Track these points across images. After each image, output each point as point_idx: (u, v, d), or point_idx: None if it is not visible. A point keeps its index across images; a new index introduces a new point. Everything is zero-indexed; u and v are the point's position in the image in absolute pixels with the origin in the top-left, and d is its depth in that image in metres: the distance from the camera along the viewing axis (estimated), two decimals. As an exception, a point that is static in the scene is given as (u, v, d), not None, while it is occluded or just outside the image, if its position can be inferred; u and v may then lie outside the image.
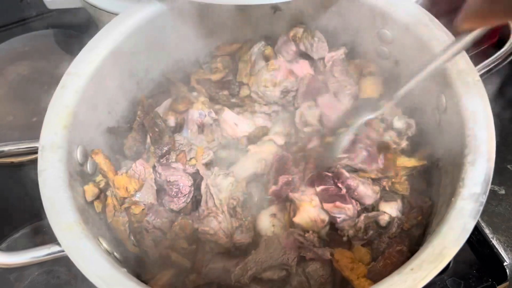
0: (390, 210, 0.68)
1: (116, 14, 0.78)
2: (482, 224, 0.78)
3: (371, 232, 0.66)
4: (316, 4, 0.81)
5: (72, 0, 0.94)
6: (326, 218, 0.67)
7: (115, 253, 0.61)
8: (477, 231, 0.78)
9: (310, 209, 0.67)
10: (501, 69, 0.88)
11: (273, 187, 0.70)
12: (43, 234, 0.82)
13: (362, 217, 0.66)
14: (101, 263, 0.53)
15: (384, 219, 0.67)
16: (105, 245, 0.59)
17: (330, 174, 0.69)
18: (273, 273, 0.64)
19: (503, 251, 0.75)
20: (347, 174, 0.68)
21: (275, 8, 0.83)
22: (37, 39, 1.14)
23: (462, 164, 0.57)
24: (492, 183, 0.79)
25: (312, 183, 0.69)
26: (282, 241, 0.64)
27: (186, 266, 0.67)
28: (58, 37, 1.14)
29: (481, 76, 0.64)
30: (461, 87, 0.63)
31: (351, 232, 0.66)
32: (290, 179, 0.70)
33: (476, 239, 0.78)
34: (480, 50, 0.87)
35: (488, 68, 0.65)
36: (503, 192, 0.82)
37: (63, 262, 0.78)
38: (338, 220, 0.66)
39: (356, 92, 0.80)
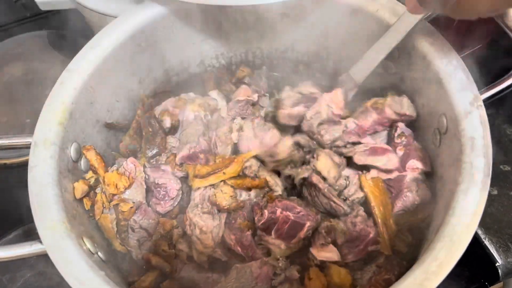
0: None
1: (108, 16, 0.78)
2: None
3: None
4: (321, 14, 0.79)
5: (64, 2, 0.94)
6: None
7: (99, 253, 0.61)
8: None
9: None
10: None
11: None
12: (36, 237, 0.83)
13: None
14: (81, 264, 0.54)
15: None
16: (88, 245, 0.59)
17: None
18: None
19: (495, 251, 0.74)
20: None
21: (282, 14, 0.82)
22: (31, 40, 1.14)
23: (455, 192, 0.55)
24: None
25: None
26: (254, 270, 0.63)
27: (166, 270, 0.66)
28: (52, 38, 1.14)
29: (485, 100, 0.62)
30: (462, 111, 0.61)
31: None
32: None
33: None
34: (473, 51, 0.84)
35: (493, 93, 0.63)
36: (495, 192, 0.80)
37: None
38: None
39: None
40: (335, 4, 0.76)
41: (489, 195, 0.77)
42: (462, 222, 0.53)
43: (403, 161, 0.70)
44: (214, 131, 0.77)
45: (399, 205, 0.67)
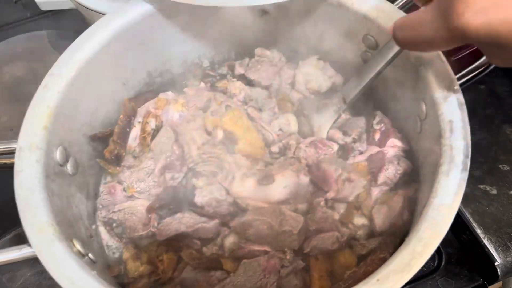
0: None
1: None
2: (474, 224, 0.78)
3: None
4: (302, 10, 0.80)
5: (64, 2, 0.95)
6: None
7: (89, 255, 0.61)
8: (468, 231, 0.78)
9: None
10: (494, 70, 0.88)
11: None
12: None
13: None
14: (72, 265, 0.54)
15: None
16: (78, 247, 0.59)
17: None
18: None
19: (494, 251, 0.75)
20: None
21: (262, 11, 0.83)
22: (32, 40, 1.15)
23: (437, 174, 0.57)
24: (483, 183, 0.83)
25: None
26: (262, 264, 0.63)
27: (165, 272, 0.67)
28: (52, 38, 1.15)
29: (461, 84, 0.63)
30: (441, 95, 0.62)
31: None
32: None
33: (468, 239, 0.78)
34: (461, 56, 0.86)
35: (468, 77, 0.64)
36: (494, 192, 0.82)
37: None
38: None
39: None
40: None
41: (488, 194, 0.81)
42: (444, 202, 0.54)
43: (382, 141, 0.71)
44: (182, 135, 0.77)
45: (381, 177, 0.68)
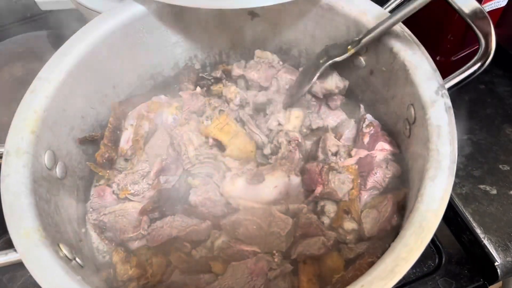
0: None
1: None
2: (474, 224, 0.78)
3: None
4: (293, 13, 0.80)
5: (64, 2, 0.95)
6: None
7: (76, 259, 0.61)
8: (468, 231, 0.78)
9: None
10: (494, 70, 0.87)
11: None
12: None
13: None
14: (57, 270, 0.54)
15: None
16: (65, 251, 0.59)
17: None
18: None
19: (494, 251, 0.75)
20: None
21: (252, 14, 0.83)
22: (32, 40, 1.14)
23: (423, 179, 0.57)
24: (483, 183, 0.83)
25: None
26: (250, 266, 0.63)
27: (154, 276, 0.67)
28: (52, 38, 1.14)
29: (457, 84, 0.63)
30: (428, 99, 0.62)
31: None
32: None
33: (468, 239, 0.78)
34: (461, 56, 0.86)
35: (456, 81, 0.64)
36: (494, 192, 0.81)
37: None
38: None
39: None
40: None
41: (488, 194, 0.81)
42: (430, 208, 0.54)
43: (371, 145, 0.71)
44: (178, 137, 0.77)
45: (370, 181, 0.68)
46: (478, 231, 0.77)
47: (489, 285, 0.77)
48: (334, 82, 0.79)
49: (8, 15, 1.23)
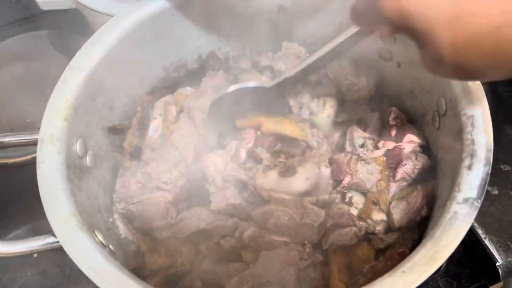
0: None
1: (109, 15, 0.78)
2: (475, 224, 0.78)
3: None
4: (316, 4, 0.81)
5: (64, 2, 0.95)
6: None
7: (110, 246, 0.61)
8: (469, 231, 0.76)
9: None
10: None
11: None
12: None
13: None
14: (95, 255, 0.54)
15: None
16: (100, 238, 0.59)
17: None
18: (269, 288, 0.64)
19: (495, 251, 0.75)
20: None
21: (279, 7, 0.84)
22: (32, 40, 1.14)
23: (459, 168, 0.57)
24: None
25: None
26: (281, 256, 0.63)
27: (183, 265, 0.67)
28: (53, 38, 1.14)
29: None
30: (461, 90, 0.62)
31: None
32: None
33: (469, 239, 0.78)
34: None
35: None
36: (496, 192, 0.81)
37: (56, 263, 0.81)
38: None
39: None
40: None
41: (490, 194, 0.80)
42: (468, 196, 0.54)
43: (398, 137, 0.72)
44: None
45: (400, 173, 0.69)
46: (479, 231, 0.77)
47: (490, 286, 0.76)
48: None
49: (8, 15, 1.22)
